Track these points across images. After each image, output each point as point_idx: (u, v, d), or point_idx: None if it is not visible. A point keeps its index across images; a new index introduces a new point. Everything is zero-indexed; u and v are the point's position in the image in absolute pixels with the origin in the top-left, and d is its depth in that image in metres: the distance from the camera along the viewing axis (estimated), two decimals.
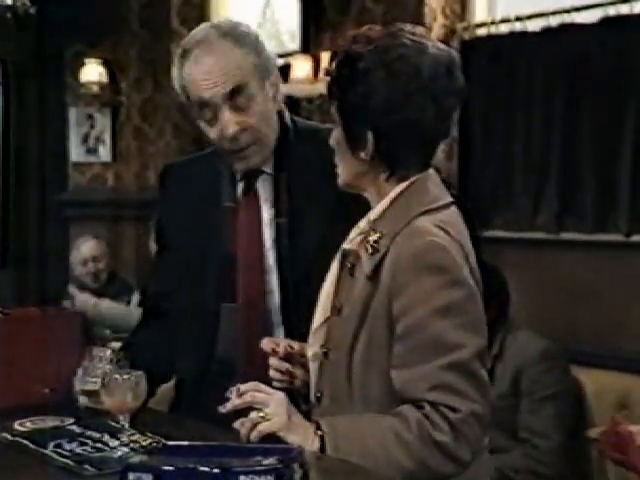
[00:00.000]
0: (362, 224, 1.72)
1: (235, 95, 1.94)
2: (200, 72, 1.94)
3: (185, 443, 1.57)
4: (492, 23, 4.52)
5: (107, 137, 6.59)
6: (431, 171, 1.72)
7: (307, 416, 1.70)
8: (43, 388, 2.01)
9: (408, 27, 1.68)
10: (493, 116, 4.42)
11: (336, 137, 1.72)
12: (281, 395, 1.67)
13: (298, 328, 1.87)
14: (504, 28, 4.45)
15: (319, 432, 1.60)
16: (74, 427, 1.84)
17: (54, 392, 2.00)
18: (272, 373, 1.80)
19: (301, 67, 5.18)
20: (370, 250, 1.65)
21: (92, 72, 6.45)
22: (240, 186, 2.06)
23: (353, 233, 1.73)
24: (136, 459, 1.44)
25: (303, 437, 1.59)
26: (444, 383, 1.55)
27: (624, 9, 3.99)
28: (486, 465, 1.73)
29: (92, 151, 6.64)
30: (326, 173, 1.85)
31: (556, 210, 4.15)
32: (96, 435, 1.77)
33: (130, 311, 4.73)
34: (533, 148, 4.26)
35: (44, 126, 6.86)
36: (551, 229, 4.16)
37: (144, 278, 4.91)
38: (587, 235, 4.03)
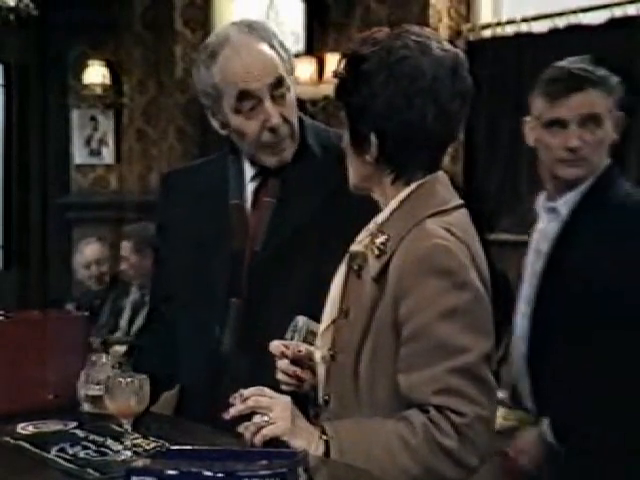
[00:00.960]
0: (370, 226, 1.72)
1: (276, 87, 1.98)
2: (242, 65, 1.97)
3: (189, 447, 1.57)
4: (498, 24, 4.53)
5: (110, 139, 6.61)
6: (440, 173, 1.72)
7: (315, 420, 1.70)
8: (47, 394, 2.01)
9: (415, 28, 1.69)
10: (499, 118, 4.42)
11: (345, 140, 1.73)
12: (285, 399, 1.67)
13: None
14: (510, 29, 4.46)
15: (324, 436, 1.60)
16: (77, 431, 1.84)
17: (58, 398, 2.00)
18: (280, 376, 1.80)
19: (305, 69, 5.19)
20: (377, 252, 1.65)
21: (95, 74, 6.47)
22: (251, 186, 2.07)
23: (362, 235, 1.73)
24: (139, 463, 1.45)
25: (308, 441, 1.59)
26: (450, 387, 1.55)
27: (631, 10, 4.00)
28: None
29: (95, 153, 6.66)
30: (324, 171, 1.92)
31: None
32: (99, 439, 1.77)
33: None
34: None
35: (46, 128, 6.88)
36: None
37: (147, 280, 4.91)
38: None
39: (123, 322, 4.73)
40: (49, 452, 1.70)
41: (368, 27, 1.73)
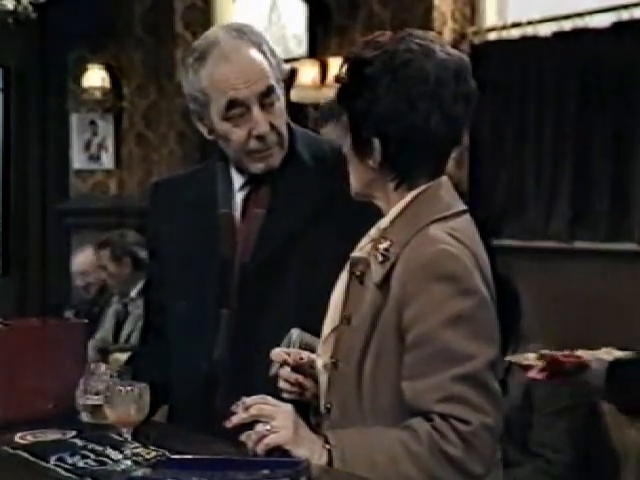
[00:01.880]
0: (372, 232, 1.73)
1: (265, 95, 1.98)
2: (232, 72, 1.97)
3: (190, 456, 1.58)
4: (503, 27, 4.54)
5: (110, 144, 6.62)
6: (444, 178, 1.72)
7: (317, 428, 1.70)
8: (47, 403, 2.01)
9: (418, 32, 1.69)
10: (504, 123, 4.43)
11: (346, 145, 1.73)
12: (288, 408, 1.67)
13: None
14: (515, 32, 4.46)
15: (326, 445, 1.60)
16: (76, 440, 1.84)
17: (57, 407, 2.00)
18: (282, 384, 1.81)
19: (308, 72, 5.19)
20: (380, 258, 1.65)
21: (94, 77, 6.48)
22: (240, 195, 2.08)
23: (363, 241, 1.73)
24: (139, 473, 1.45)
25: (310, 450, 1.59)
26: (455, 395, 1.55)
27: (638, 13, 4.00)
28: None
29: (94, 158, 6.67)
30: (313, 180, 1.95)
31: (568, 218, 4.15)
32: (99, 448, 1.77)
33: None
34: (545, 155, 4.26)
35: (45, 133, 6.89)
36: (563, 238, 4.17)
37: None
38: (600, 244, 4.03)
39: (105, 332, 4.71)
40: (48, 461, 1.70)
41: (371, 30, 1.74)
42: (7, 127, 6.94)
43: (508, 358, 2.35)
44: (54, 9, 6.13)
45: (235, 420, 1.68)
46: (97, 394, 1.88)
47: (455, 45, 4.53)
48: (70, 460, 1.70)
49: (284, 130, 2.03)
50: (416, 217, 1.66)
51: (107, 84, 6.49)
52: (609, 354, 2.22)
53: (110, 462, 1.69)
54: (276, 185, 2.04)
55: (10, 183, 6.94)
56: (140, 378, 1.77)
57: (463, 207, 1.71)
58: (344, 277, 1.74)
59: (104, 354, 4.20)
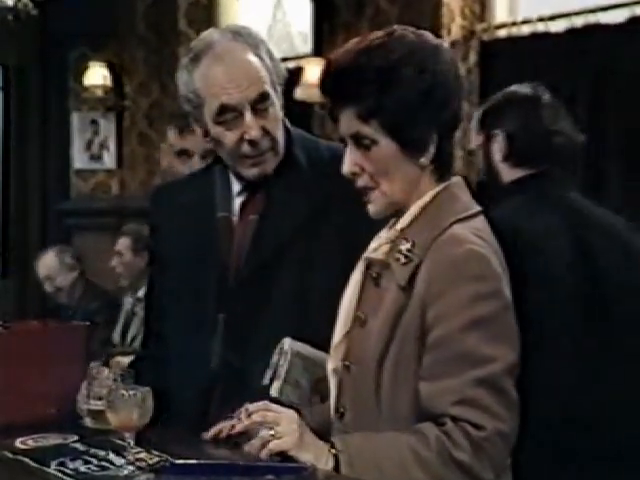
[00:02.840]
0: (385, 233, 1.72)
1: (259, 101, 1.97)
2: (224, 75, 1.97)
3: (193, 461, 1.58)
4: (513, 24, 4.53)
5: (111, 143, 6.62)
6: (458, 178, 1.73)
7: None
8: (49, 407, 2.01)
9: (408, 28, 1.71)
10: None
11: (385, 154, 1.67)
12: (292, 413, 1.68)
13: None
14: (526, 29, 4.46)
15: (333, 450, 1.60)
16: (78, 445, 1.84)
17: (60, 411, 2.01)
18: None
19: (313, 71, 5.19)
20: (403, 260, 1.65)
21: (96, 75, 6.48)
22: (239, 200, 2.09)
23: (375, 243, 1.73)
24: (142, 478, 1.45)
25: (316, 456, 1.60)
26: (471, 398, 1.55)
27: None
28: None
29: (96, 158, 6.68)
30: (310, 185, 1.98)
31: None
32: (101, 453, 1.77)
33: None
34: None
35: (46, 132, 6.90)
36: None
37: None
38: None
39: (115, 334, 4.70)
40: (49, 467, 1.70)
41: (378, 28, 1.73)
42: (7, 126, 6.95)
43: None
44: (55, 6, 6.15)
45: (239, 427, 1.70)
46: (100, 399, 1.88)
47: (464, 42, 4.53)
48: (71, 465, 1.71)
49: (279, 135, 2.03)
50: (437, 217, 1.66)
51: (109, 82, 6.50)
52: None
53: (112, 467, 1.69)
54: (271, 190, 2.05)
55: (10, 183, 6.95)
56: (140, 384, 1.78)
57: (479, 207, 1.72)
58: (356, 279, 1.74)
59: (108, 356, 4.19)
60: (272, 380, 1.89)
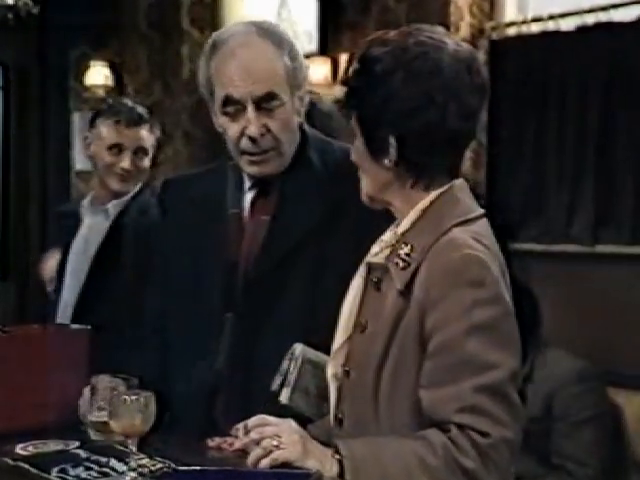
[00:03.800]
0: (387, 237, 1.73)
1: (265, 98, 1.99)
2: (235, 68, 1.99)
3: (196, 468, 1.58)
4: (523, 22, 4.53)
5: None
6: (461, 181, 1.73)
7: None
8: (48, 413, 2.00)
9: (426, 26, 1.71)
10: (524, 121, 4.42)
11: (357, 148, 1.74)
12: (291, 423, 1.68)
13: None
14: (536, 27, 4.45)
15: (337, 456, 1.60)
16: (79, 451, 1.84)
17: (60, 417, 2.00)
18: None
19: (319, 69, 5.20)
20: (401, 264, 1.66)
21: (97, 75, 6.50)
22: (249, 195, 2.09)
23: (376, 247, 1.74)
24: None
25: (321, 462, 1.60)
26: (474, 405, 1.56)
27: None
28: None
29: None
30: (324, 186, 1.97)
31: (591, 221, 4.14)
32: (102, 459, 1.77)
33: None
34: (567, 154, 4.25)
35: (46, 132, 6.91)
36: (586, 241, 4.16)
37: None
38: (625, 247, 4.02)
39: None
40: (50, 473, 1.70)
41: (385, 26, 1.74)
42: (7, 127, 6.96)
43: None
44: (55, 4, 6.16)
45: (237, 445, 1.71)
46: (102, 410, 1.88)
47: (473, 41, 4.53)
48: (73, 472, 1.71)
49: (284, 137, 2.03)
50: (437, 221, 1.66)
51: (110, 82, 6.51)
52: None
53: (114, 474, 1.69)
54: (284, 191, 2.06)
55: (10, 184, 6.96)
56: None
57: (481, 211, 1.72)
58: (357, 284, 1.75)
59: None
60: (281, 386, 1.89)
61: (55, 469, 1.72)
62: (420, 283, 1.62)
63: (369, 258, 1.74)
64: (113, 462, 1.75)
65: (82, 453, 1.83)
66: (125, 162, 3.06)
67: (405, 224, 1.70)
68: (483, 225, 1.70)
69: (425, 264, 1.63)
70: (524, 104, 4.40)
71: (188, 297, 2.08)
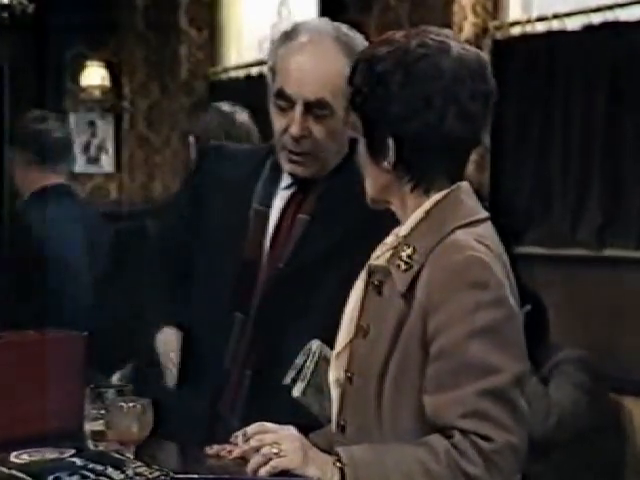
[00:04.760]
0: (389, 240, 1.73)
1: (315, 104, 2.01)
2: (296, 64, 2.01)
3: (194, 476, 1.58)
4: (528, 21, 4.53)
5: (110, 146, 6.64)
6: (464, 183, 1.74)
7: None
8: (45, 421, 2.00)
9: (433, 28, 1.71)
10: (528, 123, 4.42)
11: (360, 149, 1.75)
12: (291, 430, 1.69)
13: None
14: (541, 27, 4.45)
15: (338, 463, 1.60)
16: (75, 459, 1.83)
17: (60, 425, 2.00)
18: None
19: None
20: (403, 266, 1.66)
21: (94, 75, 6.51)
22: (285, 193, 2.10)
23: (379, 250, 1.74)
24: None
25: (322, 470, 1.60)
26: (478, 410, 1.56)
27: None
28: None
29: (93, 161, 6.70)
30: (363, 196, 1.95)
31: (598, 224, 4.13)
32: (99, 468, 1.77)
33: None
34: (572, 157, 4.25)
35: None
36: (592, 245, 4.15)
37: None
38: (632, 252, 4.02)
39: None
40: None
41: (387, 26, 1.75)
42: (1, 127, 6.96)
43: None
44: (51, 3, 6.17)
45: (237, 453, 1.72)
46: (99, 419, 1.88)
47: (476, 40, 4.54)
48: None
49: (327, 145, 2.04)
50: (439, 223, 1.67)
51: (107, 83, 6.53)
52: None
53: None
54: (325, 192, 2.07)
55: (4, 186, 6.96)
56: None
57: (486, 214, 1.72)
58: (359, 287, 1.75)
59: None
60: (295, 381, 1.90)
61: (50, 477, 1.72)
62: (422, 285, 1.63)
63: (370, 261, 1.75)
64: (110, 470, 1.74)
65: (78, 461, 1.82)
66: None
67: (407, 226, 1.70)
68: (487, 228, 1.70)
69: (427, 266, 1.63)
70: (529, 105, 4.40)
71: (206, 290, 2.09)
